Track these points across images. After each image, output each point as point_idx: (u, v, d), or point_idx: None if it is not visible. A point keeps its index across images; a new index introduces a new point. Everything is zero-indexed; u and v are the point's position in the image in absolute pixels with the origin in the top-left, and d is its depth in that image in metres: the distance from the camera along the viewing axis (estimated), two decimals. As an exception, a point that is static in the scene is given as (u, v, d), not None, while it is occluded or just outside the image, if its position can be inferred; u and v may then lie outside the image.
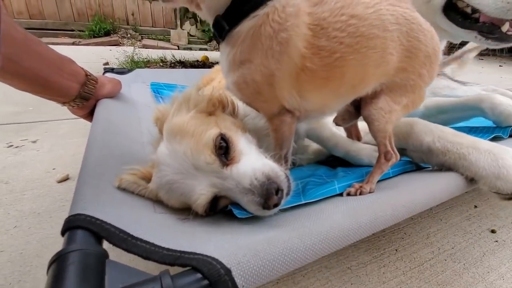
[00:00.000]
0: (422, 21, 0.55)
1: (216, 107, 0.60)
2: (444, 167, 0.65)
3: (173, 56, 3.45)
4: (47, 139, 1.48)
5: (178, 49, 4.60)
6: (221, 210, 0.53)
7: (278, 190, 0.48)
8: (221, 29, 0.52)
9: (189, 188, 0.50)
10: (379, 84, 0.56)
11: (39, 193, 1.07)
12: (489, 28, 0.93)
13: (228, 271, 0.32)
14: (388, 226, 0.47)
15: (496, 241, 0.97)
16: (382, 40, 0.51)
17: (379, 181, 0.63)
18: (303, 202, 0.53)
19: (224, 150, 0.51)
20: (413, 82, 0.56)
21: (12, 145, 1.40)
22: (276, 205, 0.47)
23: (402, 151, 0.73)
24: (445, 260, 0.89)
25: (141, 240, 0.37)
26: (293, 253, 0.36)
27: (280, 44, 0.49)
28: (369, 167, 0.69)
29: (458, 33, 1.00)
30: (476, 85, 1.73)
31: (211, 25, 0.55)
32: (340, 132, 0.81)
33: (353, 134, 0.80)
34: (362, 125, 0.83)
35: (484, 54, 5.61)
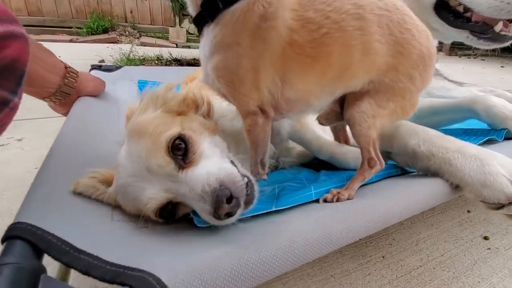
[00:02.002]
0: (416, 18, 0.52)
1: (190, 108, 0.57)
2: (429, 172, 0.61)
3: (170, 54, 3.41)
4: (33, 137, 1.45)
5: (177, 47, 4.56)
6: (185, 217, 0.50)
7: (232, 199, 0.43)
8: (214, 8, 0.48)
9: (140, 192, 0.46)
10: (368, 80, 0.52)
11: (18, 193, 1.04)
12: (481, 27, 0.90)
13: (167, 292, 0.28)
14: (361, 237, 0.43)
15: (489, 249, 0.93)
16: (368, 22, 0.47)
17: (360, 186, 0.59)
18: (273, 209, 0.49)
19: (183, 152, 0.47)
20: (402, 84, 0.52)
21: (-3, 143, 1.38)
22: (229, 214, 0.43)
23: (387, 154, 0.69)
24: (434, 268, 0.85)
25: (84, 253, 0.34)
26: (248, 269, 0.33)
27: (268, 20, 0.46)
28: (352, 171, 0.66)
29: (450, 33, 0.97)
30: (473, 86, 1.69)
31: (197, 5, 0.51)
32: (327, 135, 0.77)
33: (341, 138, 0.77)
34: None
35: (485, 54, 5.56)
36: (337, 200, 0.54)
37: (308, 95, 0.53)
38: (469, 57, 5.47)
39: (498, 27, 0.88)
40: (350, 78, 0.52)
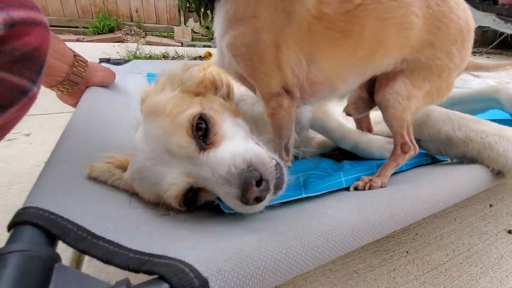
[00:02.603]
0: None
1: (208, 89, 0.53)
2: (465, 159, 0.57)
3: (176, 52, 3.40)
4: (40, 132, 1.43)
5: (182, 46, 4.55)
6: (208, 206, 0.46)
7: (261, 181, 0.38)
8: None
9: (160, 176, 0.42)
10: (400, 59, 0.48)
11: (25, 187, 1.01)
12: (509, 10, 0.86)
13: (204, 282, 0.24)
14: (405, 225, 0.39)
15: (515, 243, 0.89)
16: None
17: (391, 175, 0.55)
18: (304, 196, 0.45)
19: (203, 133, 0.43)
20: (440, 62, 0.48)
21: (4, 138, 1.36)
22: (258, 199, 0.39)
23: (417, 142, 0.65)
24: (461, 263, 0.81)
25: (103, 239, 0.30)
26: (289, 258, 0.29)
27: None
28: (380, 160, 0.62)
29: (476, 17, 0.91)
30: (489, 78, 1.64)
31: None
32: (348, 123, 0.73)
33: (364, 125, 0.72)
34: (371, 115, 0.76)
35: (490, 52, 5.48)
36: (370, 188, 0.50)
37: (335, 77, 0.49)
38: (475, 54, 5.39)
39: (527, 10, 0.84)
40: (382, 56, 0.48)
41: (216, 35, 0.51)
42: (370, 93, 0.55)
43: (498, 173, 0.53)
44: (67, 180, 0.40)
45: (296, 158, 0.72)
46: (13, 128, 0.32)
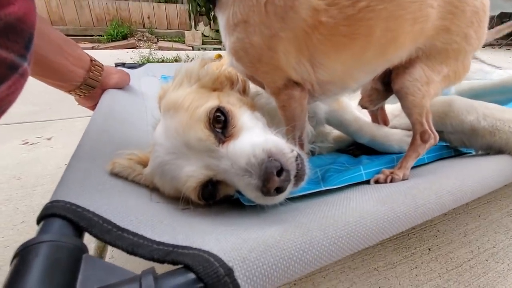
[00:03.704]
0: None
1: (224, 85, 0.53)
2: (492, 150, 0.54)
3: (187, 56, 3.45)
4: (61, 136, 1.48)
5: (193, 49, 4.61)
6: (227, 200, 0.46)
7: (282, 171, 0.38)
8: None
9: (179, 170, 0.42)
10: (414, 48, 0.47)
11: (49, 188, 1.05)
12: (533, -5, 0.82)
13: (229, 271, 0.24)
14: (431, 217, 0.38)
15: (546, 239, 0.84)
16: None
17: (412, 168, 0.53)
18: (323, 188, 0.44)
19: (222, 125, 0.43)
20: (457, 45, 0.47)
21: (27, 142, 1.41)
22: (279, 190, 0.38)
23: (439, 134, 0.63)
24: (487, 260, 0.78)
25: (128, 231, 0.31)
26: (313, 249, 0.28)
27: None
28: (399, 154, 0.60)
29: (497, 2, 0.89)
30: (511, 70, 1.57)
31: None
32: (364, 116, 0.72)
33: (380, 118, 0.71)
34: (388, 108, 0.74)
35: (511, 44, 5.26)
36: (391, 181, 0.48)
37: (345, 76, 0.48)
38: (493, 47, 5.20)
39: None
40: (394, 52, 0.46)
41: (223, 40, 0.51)
42: (384, 84, 0.53)
43: (528, 164, 0.51)
44: (91, 176, 0.41)
45: (312, 153, 0.71)
46: (7, 109, 0.30)
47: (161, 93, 0.52)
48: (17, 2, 0.28)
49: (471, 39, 0.47)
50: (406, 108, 0.49)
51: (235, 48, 0.46)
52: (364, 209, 0.34)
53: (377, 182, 0.49)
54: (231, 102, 0.48)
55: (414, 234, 0.86)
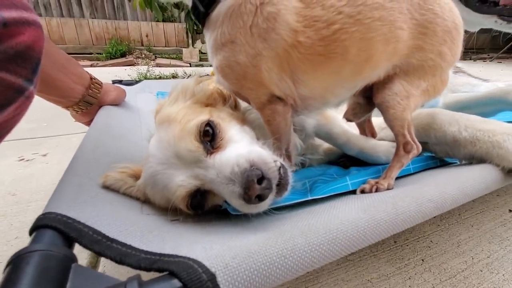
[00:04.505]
0: None
1: (217, 101, 0.56)
2: (474, 159, 0.56)
3: (185, 72, 3.51)
4: (57, 152, 1.49)
5: (190, 66, 4.70)
6: (216, 210, 0.47)
7: (263, 179, 0.40)
8: (199, 13, 0.49)
9: (169, 179, 0.44)
10: (391, 66, 0.50)
11: (43, 204, 1.03)
12: (510, 10, 0.86)
13: (212, 276, 0.25)
14: (412, 224, 0.39)
15: (540, 249, 0.85)
16: (389, 11, 0.45)
17: (398, 178, 0.55)
18: (309, 198, 0.46)
19: (210, 138, 0.45)
20: (432, 62, 0.50)
21: (23, 159, 1.42)
22: (260, 198, 0.40)
23: (423, 146, 0.65)
24: (481, 271, 0.78)
25: (117, 241, 0.32)
26: (295, 255, 0.29)
27: (267, 21, 0.44)
28: (386, 164, 0.62)
29: (476, 19, 0.93)
30: (499, 82, 1.61)
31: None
32: (352, 129, 0.74)
33: (367, 130, 0.73)
34: (376, 121, 0.76)
35: (502, 57, 5.41)
36: (376, 190, 0.50)
37: (325, 92, 0.51)
38: (485, 60, 5.34)
39: (529, 9, 0.84)
40: (370, 70, 0.49)
41: (209, 58, 0.54)
42: (367, 98, 0.56)
43: (509, 172, 0.53)
44: (83, 189, 0.42)
45: (303, 165, 0.73)
46: (13, 128, 0.33)
47: (158, 108, 0.55)
48: (27, 31, 0.31)
49: (446, 56, 0.50)
50: (388, 120, 0.52)
51: (221, 65, 0.48)
52: (345, 216, 0.35)
53: (363, 192, 0.51)
54: (221, 117, 0.50)
55: (407, 245, 0.87)
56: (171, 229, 0.40)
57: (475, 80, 1.52)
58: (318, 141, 0.78)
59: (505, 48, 4.61)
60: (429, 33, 0.48)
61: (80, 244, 0.31)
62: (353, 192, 0.52)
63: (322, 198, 0.48)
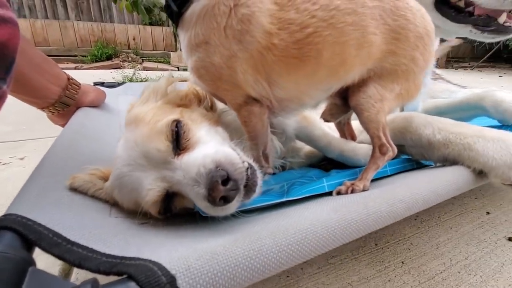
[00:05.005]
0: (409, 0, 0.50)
1: (192, 102, 0.55)
2: (448, 162, 0.58)
3: (172, 76, 3.48)
4: (35, 156, 1.45)
5: (178, 70, 4.67)
6: (188, 213, 0.46)
7: (229, 180, 0.39)
8: (172, 12, 0.48)
9: (137, 182, 0.43)
10: (366, 70, 0.51)
11: (17, 210, 1.01)
12: (484, 21, 0.89)
13: (171, 279, 0.24)
14: (383, 225, 0.39)
15: (515, 250, 0.87)
16: (361, 16, 0.46)
17: (375, 179, 0.56)
18: (284, 199, 0.45)
19: (177, 138, 0.44)
20: (405, 67, 0.51)
21: (0, 162, 1.37)
22: (225, 199, 0.39)
23: (400, 148, 0.66)
24: (459, 272, 0.79)
25: (78, 245, 0.30)
26: (262, 256, 0.29)
27: (242, 22, 0.44)
28: (364, 167, 0.62)
29: (452, 29, 0.96)
30: (476, 89, 1.67)
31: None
32: (333, 132, 0.75)
33: (347, 133, 0.74)
34: (356, 124, 0.77)
35: (482, 66, 5.63)
36: (352, 192, 0.50)
37: (300, 94, 0.51)
38: (466, 69, 5.55)
39: (502, 19, 0.88)
40: (345, 73, 0.50)
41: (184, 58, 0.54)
42: (343, 99, 0.57)
43: (480, 173, 0.54)
44: (49, 190, 0.40)
45: (283, 168, 0.73)
46: None
47: (129, 109, 0.54)
48: (2, 28, 0.29)
49: (418, 61, 0.51)
50: (363, 123, 0.52)
51: (196, 66, 0.48)
52: (316, 217, 0.35)
53: (339, 193, 0.51)
54: (193, 118, 0.49)
55: (388, 248, 0.87)
56: (138, 233, 0.39)
57: (454, 86, 1.57)
58: (299, 144, 0.78)
59: (485, 57, 4.80)
60: (402, 38, 0.49)
61: (39, 247, 0.30)
62: (330, 193, 0.52)
63: (297, 200, 0.48)
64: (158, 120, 0.45)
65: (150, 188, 0.42)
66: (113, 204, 0.48)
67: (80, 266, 0.28)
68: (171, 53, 5.10)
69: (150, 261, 0.26)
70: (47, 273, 0.27)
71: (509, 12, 0.89)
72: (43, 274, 0.27)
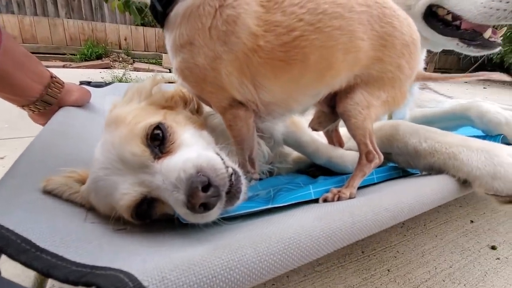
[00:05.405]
0: (396, 7, 0.51)
1: (177, 104, 0.53)
2: (433, 170, 0.58)
3: (163, 77, 3.45)
4: (16, 156, 1.38)
5: (170, 72, 4.63)
6: (168, 219, 0.44)
7: (210, 186, 0.37)
8: (157, 12, 0.47)
9: (113, 187, 0.41)
10: (353, 76, 0.50)
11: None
12: (471, 34, 0.92)
13: (143, 290, 0.23)
14: (369, 234, 0.38)
15: (498, 259, 0.88)
16: (349, 21, 0.45)
17: (362, 187, 0.55)
18: (270, 206, 0.44)
19: (160, 142, 0.43)
20: (391, 74, 0.51)
21: (-21, 162, 1.31)
22: (205, 206, 0.37)
23: (387, 156, 0.66)
24: (443, 280, 0.79)
25: (47, 252, 0.28)
26: (242, 267, 0.28)
27: (227, 23, 0.43)
28: (351, 174, 0.62)
29: (440, 41, 0.98)
30: (462, 99, 1.71)
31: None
32: (321, 138, 0.74)
33: (335, 140, 0.74)
34: (344, 131, 0.77)
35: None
36: (338, 199, 0.49)
37: (287, 98, 0.50)
38: (452, 80, 5.70)
39: (487, 34, 0.90)
40: (332, 78, 0.50)
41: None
42: (331, 107, 0.56)
43: (464, 182, 0.54)
44: (20, 193, 0.38)
45: (271, 174, 0.72)
46: None
47: (111, 109, 0.52)
48: None
49: (404, 69, 0.51)
50: (350, 130, 0.52)
51: (181, 67, 0.47)
52: (300, 225, 0.34)
53: (325, 200, 0.50)
54: (177, 120, 0.48)
55: (374, 255, 0.87)
56: (114, 240, 0.37)
57: (440, 96, 1.61)
58: (287, 150, 0.78)
59: (470, 69, 4.95)
60: (388, 45, 0.49)
61: (5, 253, 0.28)
62: (316, 201, 0.51)
63: (282, 206, 0.47)
64: (138, 122, 0.43)
65: (126, 193, 0.40)
66: (90, 208, 0.45)
67: (48, 275, 0.26)
68: (163, 54, 5.06)
69: (121, 271, 0.24)
70: (9, 280, 0.25)
71: (494, 27, 0.92)
72: (7, 282, 0.25)
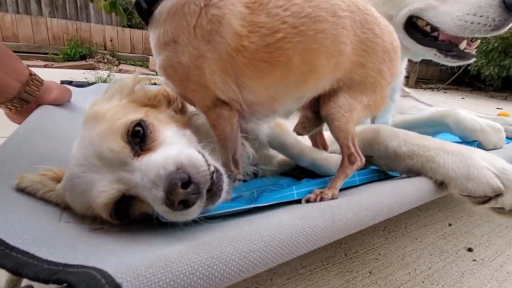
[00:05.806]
0: (378, 15, 0.52)
1: (161, 103, 0.53)
2: (412, 173, 0.60)
3: (150, 80, 3.41)
4: (-10, 156, 1.33)
5: (156, 74, 4.58)
6: (147, 219, 0.43)
7: (190, 183, 0.37)
8: (142, 10, 0.47)
9: (90, 184, 0.39)
10: (336, 80, 0.52)
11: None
12: (447, 45, 0.96)
13: None
14: (349, 233, 0.39)
15: (474, 260, 0.91)
16: (332, 25, 0.46)
17: (344, 189, 0.56)
18: (252, 206, 0.44)
19: (140, 139, 0.42)
20: (372, 79, 0.52)
21: None
22: (185, 203, 0.36)
23: (369, 159, 0.68)
24: (423, 282, 0.81)
25: (17, 250, 0.27)
26: (221, 264, 0.27)
27: (212, 23, 0.43)
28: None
29: (419, 51, 1.02)
30: (441, 107, 1.79)
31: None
32: (306, 141, 0.75)
33: (319, 143, 0.75)
34: (328, 134, 0.79)
35: (447, 88, 6.08)
36: (321, 200, 0.50)
37: (271, 100, 0.51)
38: (433, 90, 5.96)
39: (463, 45, 0.95)
40: (315, 81, 0.50)
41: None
42: (315, 112, 0.57)
43: (441, 184, 0.56)
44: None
45: (255, 175, 0.72)
46: None
47: (91, 106, 0.50)
48: None
49: (385, 75, 0.53)
50: (333, 132, 0.53)
51: (164, 65, 0.47)
52: (281, 223, 0.34)
53: (308, 201, 0.50)
54: (159, 118, 0.47)
55: (357, 258, 0.88)
56: (89, 239, 0.36)
57: (421, 104, 1.67)
58: (272, 152, 0.78)
59: (450, 80, 5.17)
60: (370, 51, 0.51)
61: (-30, 253, 0.26)
62: (299, 201, 0.51)
63: (264, 207, 0.47)
64: (118, 119, 0.42)
65: (103, 190, 0.39)
66: (65, 207, 0.44)
67: (18, 273, 0.25)
68: (150, 57, 5.01)
69: (94, 268, 0.24)
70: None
71: (470, 40, 0.96)
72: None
